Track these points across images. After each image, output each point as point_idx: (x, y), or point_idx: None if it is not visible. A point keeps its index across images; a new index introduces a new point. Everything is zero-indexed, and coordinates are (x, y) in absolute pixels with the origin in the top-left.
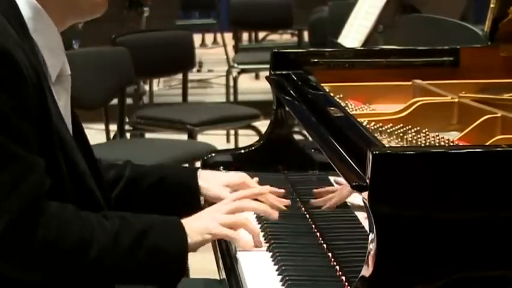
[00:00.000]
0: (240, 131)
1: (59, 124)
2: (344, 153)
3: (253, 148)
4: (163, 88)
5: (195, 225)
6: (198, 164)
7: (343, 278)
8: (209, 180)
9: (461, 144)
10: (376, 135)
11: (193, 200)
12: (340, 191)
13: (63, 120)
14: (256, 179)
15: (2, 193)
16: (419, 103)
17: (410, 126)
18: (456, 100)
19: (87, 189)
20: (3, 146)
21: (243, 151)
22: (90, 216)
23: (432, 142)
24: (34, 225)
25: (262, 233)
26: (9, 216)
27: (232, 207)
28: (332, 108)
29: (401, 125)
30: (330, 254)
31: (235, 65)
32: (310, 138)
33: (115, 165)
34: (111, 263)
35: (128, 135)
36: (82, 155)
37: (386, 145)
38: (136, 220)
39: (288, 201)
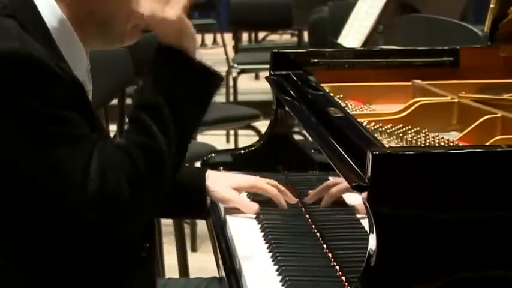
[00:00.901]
0: (240, 131)
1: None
2: (344, 154)
3: (253, 148)
4: None
5: None
6: (197, 164)
7: (343, 278)
8: (218, 182)
9: (461, 144)
10: (376, 135)
11: (200, 200)
12: (331, 188)
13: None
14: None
15: (84, 171)
16: (419, 103)
17: (410, 127)
18: (456, 100)
19: None
20: (64, 131)
21: (242, 151)
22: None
23: (432, 142)
24: (119, 185)
25: (262, 233)
26: (90, 188)
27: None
28: (332, 108)
29: (401, 125)
30: (330, 255)
31: (235, 65)
32: (310, 139)
33: None
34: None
35: None
36: None
37: (386, 145)
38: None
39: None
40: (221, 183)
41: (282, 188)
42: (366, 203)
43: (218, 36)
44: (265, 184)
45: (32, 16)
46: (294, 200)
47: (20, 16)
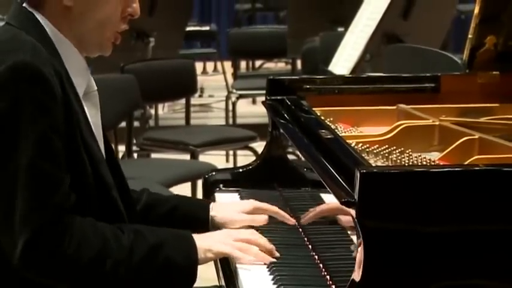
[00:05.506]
0: (239, 152)
1: (89, 139)
2: (334, 172)
3: (250, 167)
4: (167, 112)
5: (205, 242)
6: (199, 182)
7: (333, 286)
8: (222, 211)
9: (441, 164)
10: (363, 155)
11: (203, 231)
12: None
13: (94, 136)
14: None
15: (27, 208)
16: (403, 126)
17: (395, 147)
18: (437, 123)
19: (111, 199)
20: (35, 163)
21: (241, 170)
22: (106, 230)
23: (415, 162)
24: (55, 241)
25: None
26: (32, 230)
27: (243, 237)
28: (323, 130)
29: (387, 146)
30: (321, 265)
31: (234, 91)
32: (302, 158)
33: (133, 191)
34: (126, 276)
35: (135, 155)
36: (109, 169)
37: (373, 164)
38: (150, 234)
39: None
40: (227, 210)
41: (282, 212)
42: (354, 217)
43: (218, 64)
44: (266, 205)
45: (40, 32)
46: (292, 222)
47: (31, 34)
